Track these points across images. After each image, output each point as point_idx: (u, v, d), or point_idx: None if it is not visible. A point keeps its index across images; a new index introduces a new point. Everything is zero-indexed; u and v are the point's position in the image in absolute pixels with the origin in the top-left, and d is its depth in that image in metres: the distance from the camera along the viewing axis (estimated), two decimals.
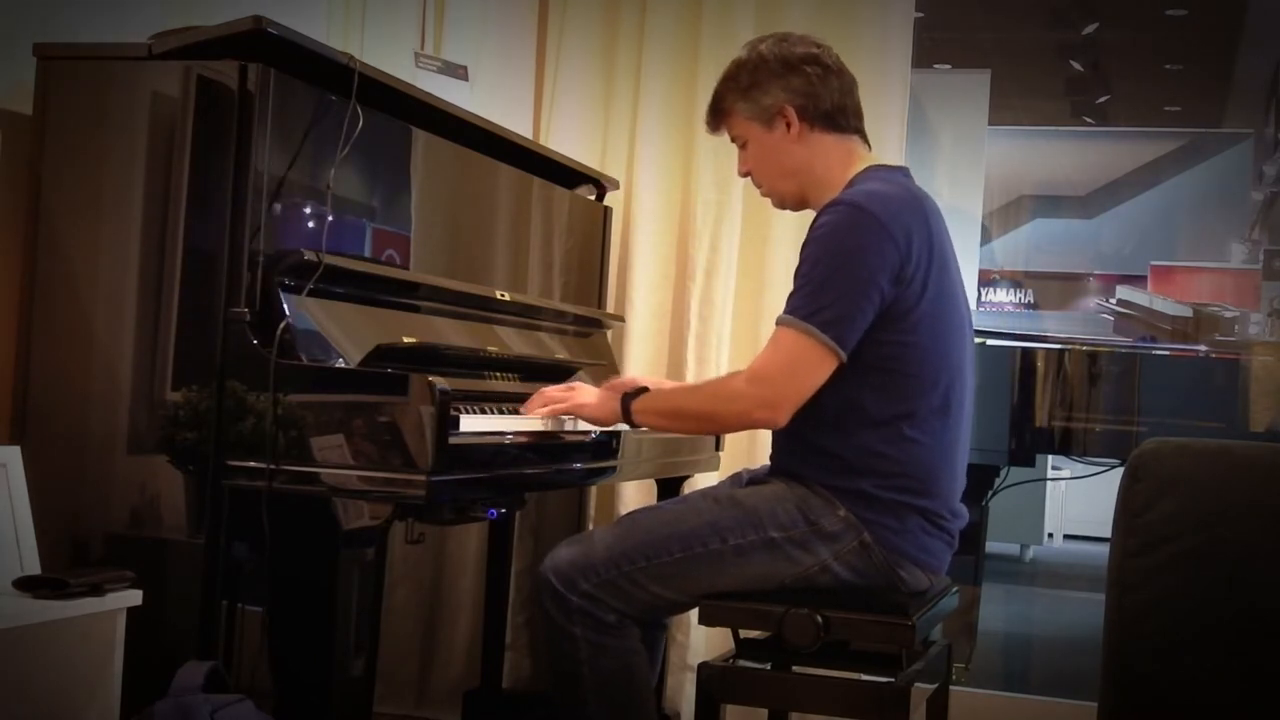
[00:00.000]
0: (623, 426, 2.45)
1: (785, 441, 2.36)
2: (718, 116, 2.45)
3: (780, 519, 2.26)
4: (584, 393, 2.43)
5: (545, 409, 2.39)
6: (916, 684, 2.28)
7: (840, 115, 2.38)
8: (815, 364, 2.19)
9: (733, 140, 2.46)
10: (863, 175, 2.35)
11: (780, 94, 2.35)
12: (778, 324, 2.23)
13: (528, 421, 2.39)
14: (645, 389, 2.40)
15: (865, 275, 2.18)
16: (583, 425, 2.51)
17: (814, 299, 2.19)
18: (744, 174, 2.47)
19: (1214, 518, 1.80)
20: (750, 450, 3.41)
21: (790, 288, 2.26)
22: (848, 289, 2.18)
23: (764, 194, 2.48)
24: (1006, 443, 3.90)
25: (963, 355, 2.34)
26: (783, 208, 2.49)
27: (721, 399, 2.31)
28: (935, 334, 2.25)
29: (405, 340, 2.41)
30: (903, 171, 2.43)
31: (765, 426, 2.28)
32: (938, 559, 2.33)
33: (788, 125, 2.36)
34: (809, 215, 3.49)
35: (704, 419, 2.41)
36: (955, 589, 2.50)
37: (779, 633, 2.23)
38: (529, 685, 3.56)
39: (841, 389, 2.24)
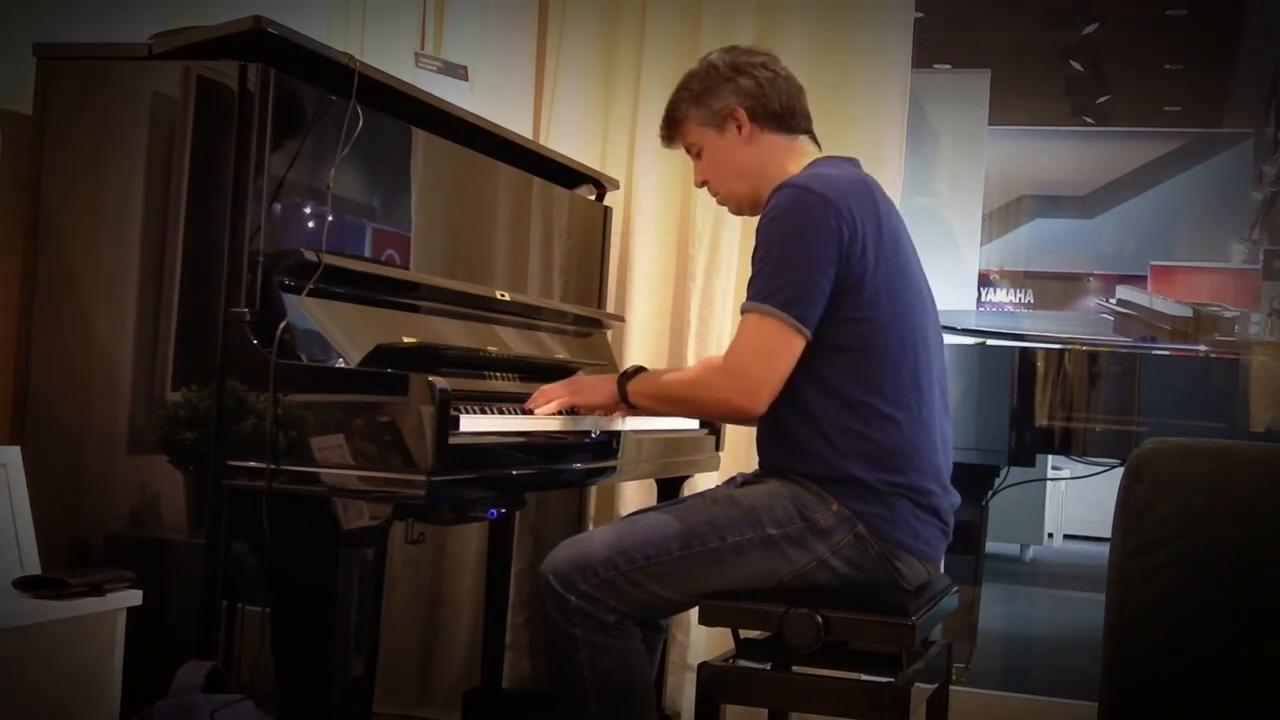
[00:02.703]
0: (621, 424, 2.47)
1: (768, 436, 2.38)
2: (671, 127, 2.51)
3: (777, 515, 2.27)
4: (582, 382, 2.47)
5: (552, 405, 2.42)
6: (916, 684, 2.28)
7: (789, 116, 2.44)
8: (783, 345, 2.23)
9: (687, 150, 2.52)
10: (811, 164, 2.41)
11: (730, 97, 2.42)
12: (741, 312, 2.28)
13: (528, 421, 2.39)
14: (642, 369, 2.45)
15: (816, 251, 2.23)
16: (583, 425, 2.52)
17: (771, 281, 2.24)
18: (700, 184, 2.53)
19: (1214, 518, 1.80)
20: (750, 451, 3.39)
21: None
22: (801, 267, 2.23)
23: (720, 201, 2.53)
24: (1006, 443, 3.90)
25: (926, 331, 2.37)
26: (739, 213, 2.55)
27: (703, 388, 2.35)
28: (894, 309, 2.29)
29: (405, 340, 2.41)
30: (851, 161, 2.48)
31: (748, 413, 2.31)
32: (933, 547, 2.34)
33: (739, 127, 2.42)
34: None
35: (689, 405, 2.47)
36: (955, 589, 2.51)
37: (779, 633, 2.24)
38: (529, 685, 3.56)
39: (811, 373, 2.27)
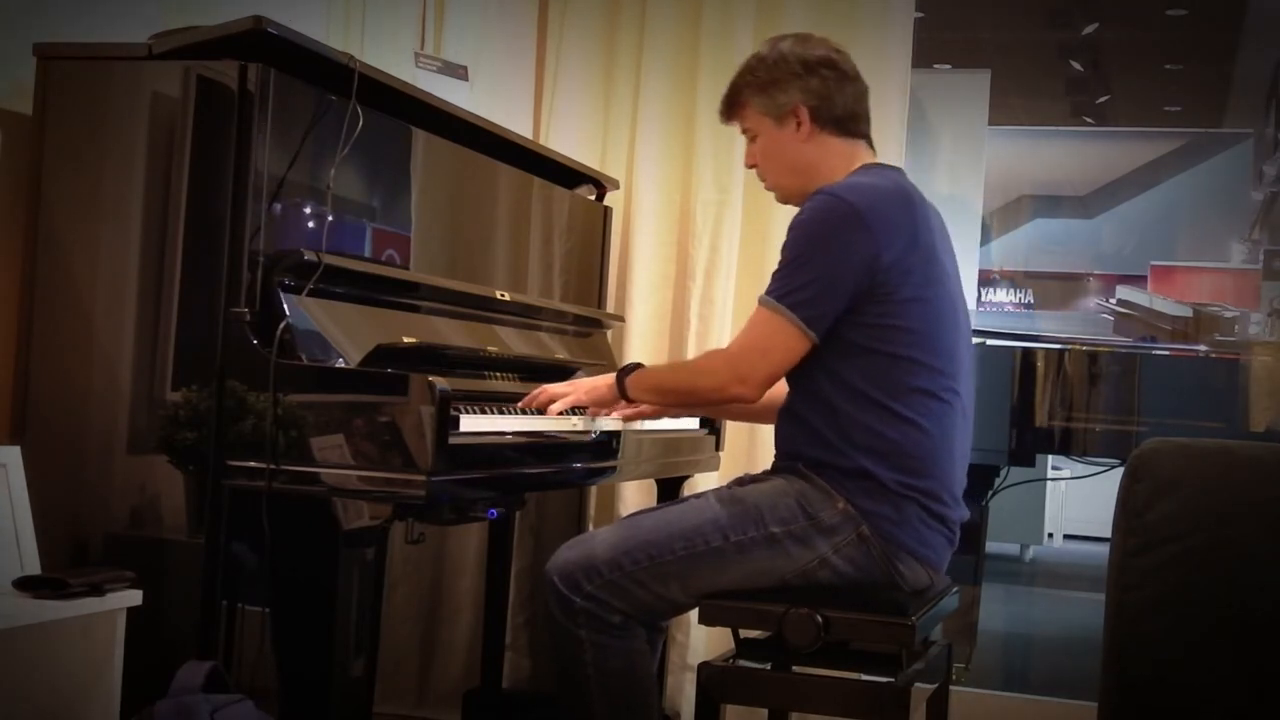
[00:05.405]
0: (616, 424, 2.55)
1: (785, 425, 2.39)
2: (732, 108, 2.50)
3: (780, 513, 2.27)
4: (584, 383, 2.50)
5: (556, 406, 2.43)
6: (916, 684, 2.28)
7: (850, 121, 2.44)
8: (786, 342, 2.27)
9: (743, 133, 2.51)
10: (856, 171, 2.40)
11: (796, 94, 2.41)
12: (758, 303, 2.30)
13: (528, 421, 2.39)
14: (640, 365, 2.47)
15: (837, 262, 2.24)
16: (583, 425, 2.52)
17: (788, 281, 2.27)
18: (750, 166, 2.52)
19: (1214, 518, 1.80)
20: (750, 451, 3.41)
21: None
22: (820, 274, 2.25)
23: (768, 187, 2.54)
24: (1006, 443, 3.90)
25: (956, 344, 2.36)
26: (785, 202, 2.54)
27: (700, 374, 2.41)
28: (925, 319, 2.29)
29: (405, 340, 2.41)
30: (897, 171, 2.48)
31: (739, 401, 2.34)
32: (937, 554, 2.34)
33: (798, 125, 2.41)
34: None
35: (685, 394, 2.49)
36: (956, 589, 2.50)
37: (779, 633, 2.24)
38: (529, 685, 3.56)
39: (832, 372, 2.29)
